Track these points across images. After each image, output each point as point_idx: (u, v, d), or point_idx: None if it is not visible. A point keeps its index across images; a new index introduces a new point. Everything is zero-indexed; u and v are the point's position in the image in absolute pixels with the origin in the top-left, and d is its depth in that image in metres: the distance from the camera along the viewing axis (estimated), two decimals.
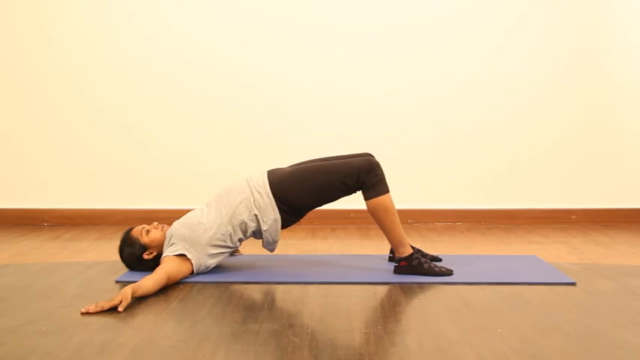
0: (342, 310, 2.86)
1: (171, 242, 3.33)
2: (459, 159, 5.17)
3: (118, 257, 3.49)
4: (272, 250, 3.53)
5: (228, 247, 3.41)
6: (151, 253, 3.39)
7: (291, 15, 5.12)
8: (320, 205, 3.47)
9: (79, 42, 5.13)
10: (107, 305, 2.78)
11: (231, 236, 3.38)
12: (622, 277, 3.35)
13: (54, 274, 3.46)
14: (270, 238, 3.44)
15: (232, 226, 3.37)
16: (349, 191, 3.41)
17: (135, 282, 2.99)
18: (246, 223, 3.38)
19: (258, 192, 3.39)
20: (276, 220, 3.39)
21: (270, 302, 2.98)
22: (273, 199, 3.38)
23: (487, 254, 4.05)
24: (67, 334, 2.52)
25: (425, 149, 5.17)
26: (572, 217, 5.17)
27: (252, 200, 3.38)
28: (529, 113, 5.18)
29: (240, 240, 3.44)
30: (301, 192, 3.39)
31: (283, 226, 3.44)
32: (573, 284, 3.22)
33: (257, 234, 3.45)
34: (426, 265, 3.35)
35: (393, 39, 5.14)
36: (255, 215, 3.38)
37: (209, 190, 4.87)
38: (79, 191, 5.18)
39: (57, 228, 5.02)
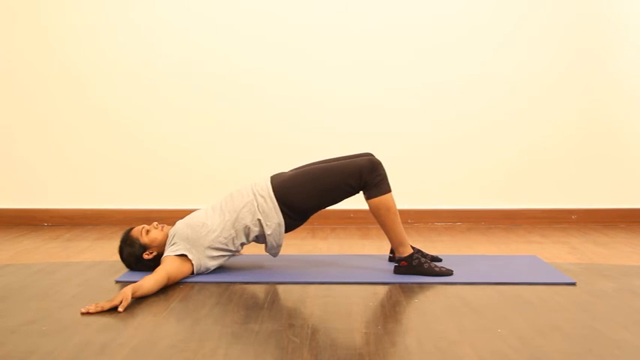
0: (342, 310, 2.86)
1: (173, 242, 3.33)
2: (459, 159, 5.17)
3: (118, 257, 3.49)
4: (275, 255, 3.52)
5: (230, 251, 3.41)
6: (151, 253, 3.39)
7: (293, 15, 5.12)
8: (324, 207, 3.47)
9: (80, 41, 5.13)
10: (107, 305, 2.79)
11: (233, 240, 3.38)
12: (622, 277, 3.35)
13: (54, 274, 3.46)
14: (273, 243, 3.43)
15: (236, 230, 3.37)
16: (352, 192, 3.41)
17: (135, 282, 2.99)
18: (249, 228, 3.38)
19: (262, 196, 3.39)
20: (279, 224, 3.39)
21: (270, 302, 2.98)
22: (276, 203, 3.38)
23: (487, 254, 4.05)
24: (67, 334, 2.52)
25: (425, 149, 5.17)
26: (572, 217, 5.17)
27: (255, 205, 3.38)
28: (529, 113, 5.18)
29: (243, 244, 3.44)
30: (305, 195, 3.39)
31: (287, 230, 3.43)
32: (573, 284, 3.22)
33: (260, 238, 3.44)
34: (426, 265, 3.35)
35: (394, 39, 5.14)
36: (259, 220, 3.37)
37: (209, 190, 4.90)
38: (79, 191, 5.18)
39: (57, 228, 5.02)
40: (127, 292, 2.84)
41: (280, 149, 5.10)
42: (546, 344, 2.41)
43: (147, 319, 2.73)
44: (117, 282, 3.28)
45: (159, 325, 2.67)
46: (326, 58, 5.14)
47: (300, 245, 4.34)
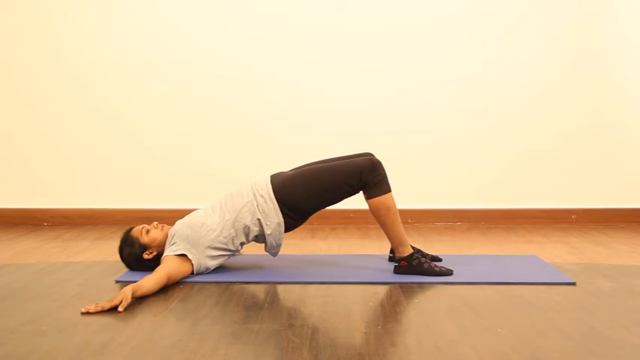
0: (342, 310, 2.86)
1: (172, 241, 3.33)
2: (459, 159, 5.17)
3: (118, 257, 3.49)
4: (275, 255, 3.52)
5: (229, 251, 3.41)
6: (151, 252, 3.39)
7: (293, 16, 5.12)
8: (324, 207, 3.47)
9: (79, 42, 5.13)
10: (107, 305, 2.79)
11: (233, 240, 3.38)
12: (622, 277, 3.35)
13: (54, 274, 3.46)
14: (273, 242, 3.43)
15: (235, 230, 3.37)
16: (353, 191, 3.41)
17: (135, 282, 2.99)
18: (249, 227, 3.38)
19: (262, 196, 3.39)
20: (279, 224, 3.39)
21: (270, 302, 2.98)
22: (276, 203, 3.38)
23: (487, 254, 4.05)
24: (67, 334, 2.52)
25: (425, 149, 5.17)
26: (572, 216, 5.17)
27: (255, 204, 3.38)
28: (529, 113, 5.18)
29: (242, 244, 3.44)
30: (305, 195, 3.38)
31: (287, 230, 3.43)
32: (573, 284, 3.22)
33: (260, 238, 3.45)
34: (426, 265, 3.35)
35: (393, 40, 5.13)
36: (259, 220, 3.37)
37: (209, 190, 4.90)
38: (79, 191, 5.18)
39: (57, 228, 5.02)
40: (127, 292, 2.84)
41: (280, 149, 5.09)
42: (546, 344, 2.41)
43: (147, 319, 2.73)
44: (117, 282, 3.28)
45: (159, 325, 2.67)
46: (326, 58, 5.13)
47: (300, 245, 4.34)
